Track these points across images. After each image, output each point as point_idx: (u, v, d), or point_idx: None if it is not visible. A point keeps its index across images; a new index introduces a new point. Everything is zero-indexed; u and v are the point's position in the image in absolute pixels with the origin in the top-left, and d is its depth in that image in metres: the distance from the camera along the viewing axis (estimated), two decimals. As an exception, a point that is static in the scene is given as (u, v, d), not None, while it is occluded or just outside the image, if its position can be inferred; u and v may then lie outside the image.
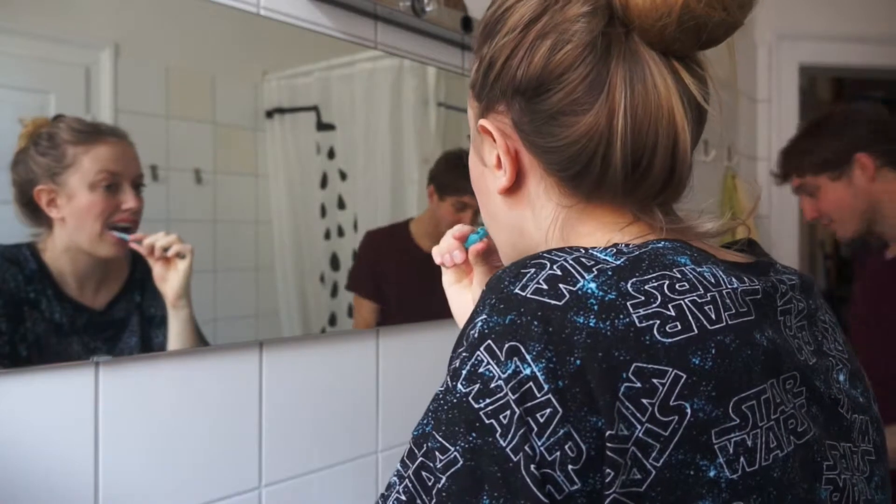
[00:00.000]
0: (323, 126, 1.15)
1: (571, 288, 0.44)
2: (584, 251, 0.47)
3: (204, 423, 0.97)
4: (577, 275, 0.45)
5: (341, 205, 1.17)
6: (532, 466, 0.41)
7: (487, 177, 0.59)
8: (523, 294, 0.45)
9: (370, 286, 1.24)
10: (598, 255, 0.47)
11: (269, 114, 1.06)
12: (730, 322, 0.45)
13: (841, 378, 0.54)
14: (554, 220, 0.56)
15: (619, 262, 0.46)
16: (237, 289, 1.01)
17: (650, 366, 0.42)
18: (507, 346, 0.43)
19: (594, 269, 0.45)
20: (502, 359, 0.43)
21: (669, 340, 0.43)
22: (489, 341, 0.44)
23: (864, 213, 1.51)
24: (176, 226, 0.93)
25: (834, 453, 0.50)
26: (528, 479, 0.41)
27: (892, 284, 1.48)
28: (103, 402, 0.86)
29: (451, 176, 1.35)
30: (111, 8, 0.87)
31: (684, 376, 0.42)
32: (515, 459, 0.42)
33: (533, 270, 0.46)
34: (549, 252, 0.48)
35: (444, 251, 0.73)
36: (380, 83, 1.22)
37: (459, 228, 0.73)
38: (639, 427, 0.41)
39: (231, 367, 1.00)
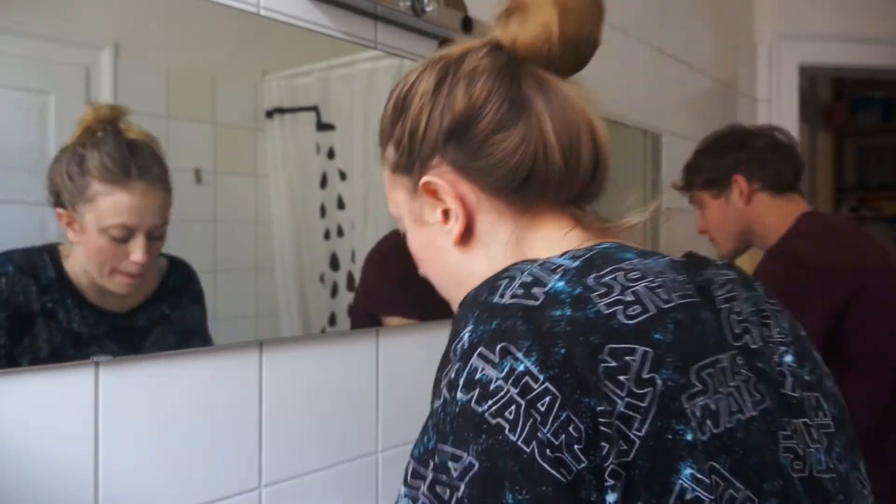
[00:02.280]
0: (323, 126, 1.15)
1: (544, 289, 0.49)
2: (545, 260, 0.53)
3: (204, 423, 0.97)
4: (545, 278, 0.50)
5: (341, 205, 1.17)
6: (547, 451, 0.44)
7: (436, 237, 0.64)
8: (503, 301, 0.49)
9: (404, 304, 1.24)
10: (558, 260, 0.52)
11: (269, 114, 1.06)
12: (680, 302, 0.51)
13: (787, 359, 0.58)
14: (507, 242, 0.61)
15: (576, 264, 0.51)
16: (237, 289, 1.01)
17: (621, 345, 0.47)
18: (498, 348, 0.46)
19: (559, 271, 0.51)
20: (497, 360, 0.46)
21: (634, 321, 0.48)
22: (481, 348, 0.47)
23: (739, 233, 1.57)
24: (176, 226, 0.93)
25: (788, 427, 0.53)
26: (545, 465, 0.44)
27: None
28: (103, 402, 0.86)
29: None
30: (111, 8, 0.87)
31: (651, 351, 0.47)
32: (529, 450, 0.44)
33: (507, 281, 0.51)
34: (514, 265, 0.53)
35: None
36: (380, 83, 1.22)
37: None
38: (619, 402, 0.45)
39: (231, 367, 1.00)
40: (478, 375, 0.46)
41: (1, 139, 0.79)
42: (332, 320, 1.17)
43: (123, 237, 0.86)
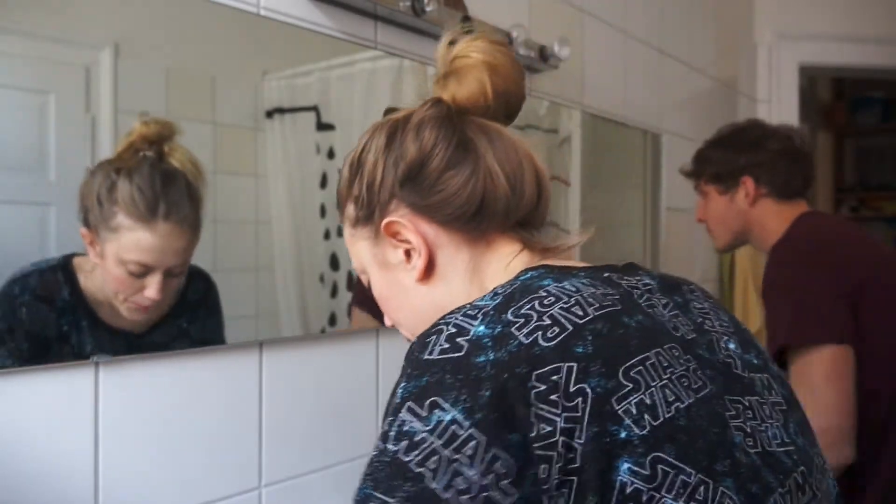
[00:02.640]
0: (323, 126, 1.15)
1: (467, 337, 0.53)
2: (468, 306, 0.57)
3: (204, 423, 0.97)
4: (468, 326, 0.54)
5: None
6: (464, 498, 0.48)
7: (401, 277, 0.70)
8: (432, 357, 0.53)
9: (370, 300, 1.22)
10: (480, 303, 0.57)
11: (269, 114, 1.06)
12: (597, 314, 0.55)
13: (731, 346, 0.63)
14: (466, 270, 0.68)
15: (496, 302, 0.56)
16: (237, 289, 1.01)
17: (545, 368, 0.51)
18: (427, 403, 0.51)
19: (479, 315, 0.55)
20: (424, 414, 0.51)
21: (553, 342, 0.52)
22: (409, 403, 0.52)
23: (737, 232, 1.57)
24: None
25: (737, 406, 0.57)
26: None
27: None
28: (103, 402, 0.86)
29: None
30: (111, 8, 0.87)
31: (575, 364, 0.51)
32: (446, 496, 0.48)
33: (434, 336, 0.55)
34: (442, 318, 0.56)
35: None
36: (380, 83, 1.22)
37: None
38: (558, 419, 0.49)
39: (231, 367, 1.00)
40: (406, 428, 0.51)
41: (1, 139, 0.79)
42: (332, 320, 1.17)
43: (140, 273, 0.86)
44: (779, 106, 2.76)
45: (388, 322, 0.76)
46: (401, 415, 0.52)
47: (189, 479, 0.95)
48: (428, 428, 0.50)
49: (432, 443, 0.50)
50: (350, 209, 0.72)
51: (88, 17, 0.86)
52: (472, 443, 0.49)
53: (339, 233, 1.17)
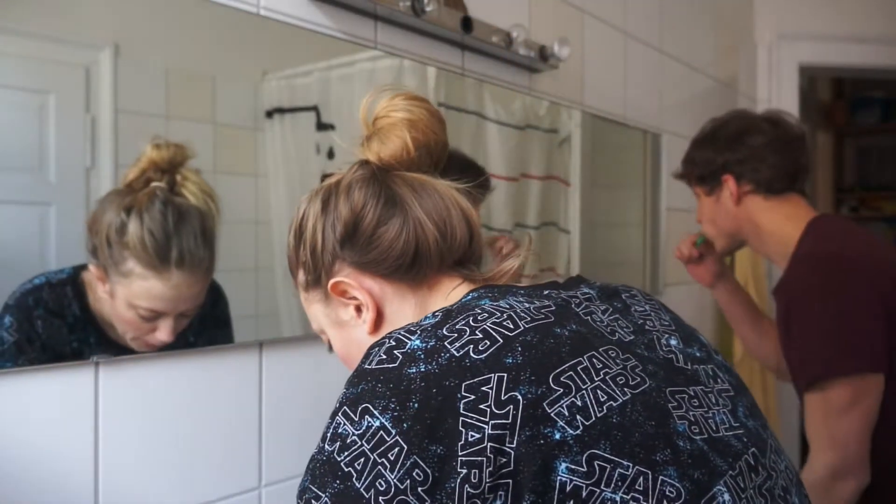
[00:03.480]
0: (323, 126, 1.15)
1: (403, 350, 0.57)
2: (412, 324, 0.61)
3: (204, 423, 0.97)
4: (405, 339, 0.58)
5: (341, 205, 1.17)
6: (381, 499, 0.52)
7: (355, 333, 0.73)
8: (370, 367, 0.57)
9: None
10: (423, 321, 0.60)
11: (269, 114, 1.06)
12: (527, 326, 0.58)
13: (672, 342, 0.67)
14: (413, 315, 0.71)
15: (435, 320, 0.60)
16: (237, 289, 1.01)
17: (476, 379, 0.54)
18: (359, 408, 0.55)
19: (418, 331, 0.59)
20: (356, 419, 0.55)
21: (484, 355, 0.55)
22: (345, 408, 0.56)
23: (730, 232, 1.50)
24: (176, 226, 0.93)
25: (681, 396, 0.60)
26: None
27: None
28: (103, 402, 0.86)
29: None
30: (111, 8, 0.87)
31: (505, 374, 0.54)
32: (367, 496, 0.52)
33: (376, 349, 0.59)
34: (389, 333, 0.60)
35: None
36: (380, 83, 1.22)
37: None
38: (486, 426, 0.52)
39: (231, 367, 1.00)
40: (340, 430, 0.56)
41: (1, 139, 0.79)
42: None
43: (151, 318, 0.85)
44: (779, 106, 2.76)
45: None
46: (337, 418, 0.56)
47: (189, 479, 0.95)
48: (359, 432, 0.54)
49: (361, 446, 0.54)
50: (300, 275, 0.76)
51: (88, 17, 0.86)
52: (396, 449, 0.53)
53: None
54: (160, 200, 0.84)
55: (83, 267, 0.84)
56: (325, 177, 0.77)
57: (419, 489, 0.52)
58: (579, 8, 1.74)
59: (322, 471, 0.55)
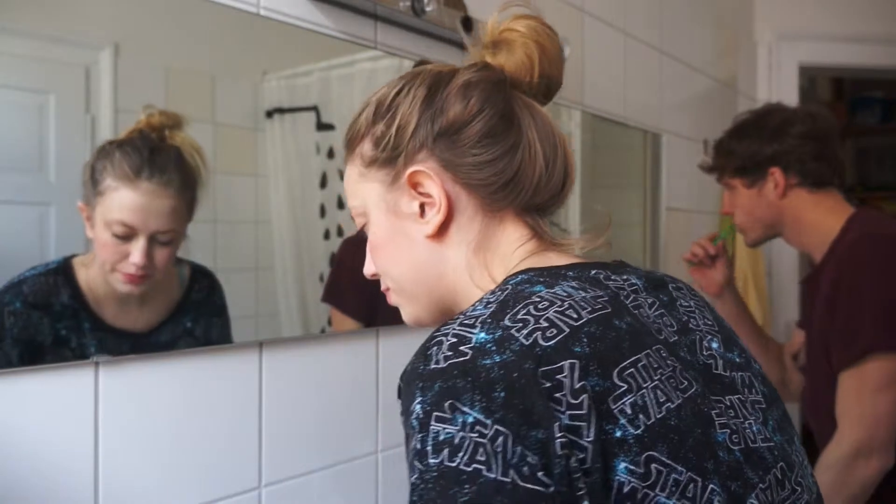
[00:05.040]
0: (323, 126, 1.15)
1: (470, 345, 0.53)
2: (462, 316, 0.57)
3: (204, 423, 0.97)
4: (467, 334, 0.54)
5: (341, 205, 1.17)
6: (524, 469, 0.48)
7: (407, 228, 0.68)
8: (439, 366, 0.53)
9: (350, 299, 1.18)
10: (474, 312, 0.57)
11: (269, 114, 1.06)
12: (589, 317, 0.55)
13: (714, 345, 0.64)
14: (472, 242, 0.67)
15: (491, 310, 0.56)
16: (237, 289, 1.01)
17: (550, 366, 0.51)
18: (446, 405, 0.51)
19: (477, 324, 0.55)
20: (450, 417, 0.50)
21: (553, 342, 0.53)
22: (435, 413, 0.51)
23: (768, 225, 1.50)
24: (176, 226, 0.93)
25: (720, 405, 0.59)
26: (528, 485, 0.48)
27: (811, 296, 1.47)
28: (103, 402, 0.86)
29: None
30: (111, 8, 0.87)
31: (577, 361, 0.52)
32: (509, 479, 0.48)
33: (436, 348, 0.54)
34: (438, 330, 0.57)
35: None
36: (379, 83, 1.22)
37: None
38: (563, 416, 0.50)
39: (231, 367, 1.00)
40: (441, 437, 0.50)
41: (1, 139, 0.79)
42: (332, 320, 1.17)
43: (124, 235, 0.86)
44: (779, 106, 2.76)
45: (368, 271, 0.75)
46: (432, 426, 0.51)
47: (189, 479, 0.95)
48: (458, 427, 0.50)
49: (471, 438, 0.49)
50: (366, 148, 0.70)
51: (88, 17, 0.86)
52: (500, 438, 0.49)
53: (339, 233, 1.17)
54: (143, 136, 0.87)
55: (74, 255, 0.84)
56: (420, 63, 0.73)
57: (538, 473, 0.48)
58: (579, 8, 1.74)
59: (440, 487, 0.49)
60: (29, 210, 0.81)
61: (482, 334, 0.54)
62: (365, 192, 0.71)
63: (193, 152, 0.91)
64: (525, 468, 0.48)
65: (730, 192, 1.54)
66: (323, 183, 1.15)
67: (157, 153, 0.87)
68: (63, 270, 0.82)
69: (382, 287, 0.74)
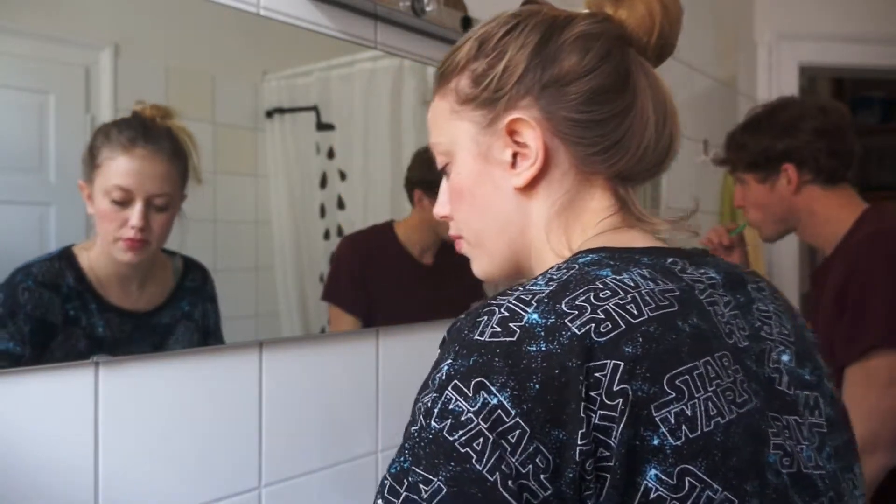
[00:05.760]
0: (323, 126, 1.15)
1: (520, 323, 0.51)
2: (522, 288, 0.54)
3: (204, 423, 0.97)
4: (521, 311, 0.52)
5: (341, 205, 1.17)
6: (508, 482, 0.47)
7: (495, 175, 0.65)
8: (482, 339, 0.51)
9: (350, 297, 1.19)
10: (534, 287, 0.54)
11: (269, 114, 1.06)
12: (651, 315, 0.52)
13: (784, 358, 0.60)
14: (557, 202, 0.64)
15: (551, 288, 0.53)
16: (237, 289, 1.01)
17: (595, 363, 0.49)
18: (473, 382, 0.49)
19: (533, 302, 0.52)
20: (470, 394, 0.49)
21: (605, 338, 0.50)
22: (456, 381, 0.50)
23: (780, 220, 1.49)
24: (176, 225, 0.93)
25: (777, 423, 0.55)
26: (506, 494, 0.47)
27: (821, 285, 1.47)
28: (103, 402, 0.86)
29: (437, 174, 1.34)
30: (111, 8, 0.87)
31: (622, 363, 0.49)
32: (492, 479, 0.48)
33: (486, 318, 0.52)
34: (494, 298, 0.54)
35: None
36: (380, 83, 1.22)
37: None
38: (594, 415, 0.48)
39: (231, 367, 1.00)
40: (451, 406, 0.50)
41: (1, 139, 0.79)
42: (331, 318, 1.17)
43: (123, 201, 0.87)
44: (779, 106, 2.76)
45: (438, 212, 0.72)
46: (447, 392, 0.50)
47: (189, 479, 0.95)
48: (474, 409, 0.49)
49: (478, 424, 0.48)
50: (463, 84, 0.65)
51: (88, 17, 0.86)
52: (518, 431, 0.48)
53: (339, 233, 1.17)
54: (136, 115, 0.89)
55: (71, 246, 0.85)
56: (528, 1, 0.67)
57: (542, 476, 0.48)
58: (579, 8, 1.74)
59: (429, 451, 0.49)
60: (29, 210, 0.81)
61: (535, 315, 0.51)
62: (454, 130, 0.67)
63: (185, 137, 0.94)
64: (528, 468, 0.48)
65: (741, 187, 1.53)
66: (323, 183, 1.15)
67: (150, 129, 0.91)
68: (66, 257, 0.84)
69: (452, 233, 0.71)
